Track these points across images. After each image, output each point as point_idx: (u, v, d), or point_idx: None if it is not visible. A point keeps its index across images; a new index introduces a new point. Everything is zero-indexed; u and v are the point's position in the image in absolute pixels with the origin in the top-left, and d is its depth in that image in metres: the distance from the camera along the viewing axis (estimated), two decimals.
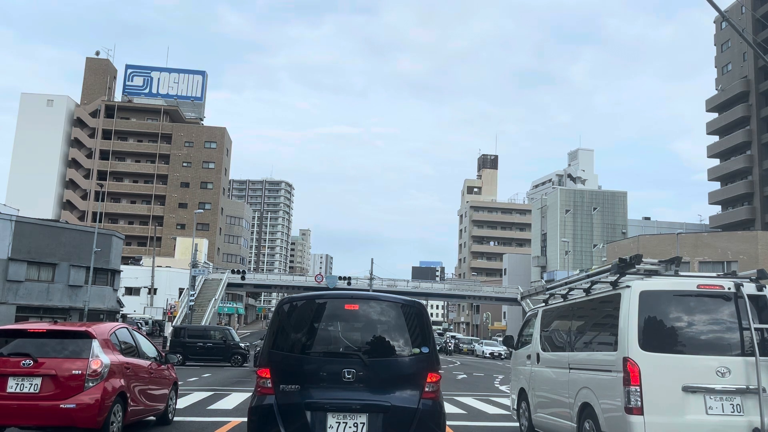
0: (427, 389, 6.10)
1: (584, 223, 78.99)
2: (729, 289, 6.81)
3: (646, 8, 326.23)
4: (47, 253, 37.95)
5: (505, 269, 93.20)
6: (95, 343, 8.13)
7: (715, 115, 74.71)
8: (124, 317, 49.57)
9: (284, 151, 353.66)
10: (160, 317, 60.43)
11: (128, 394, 8.56)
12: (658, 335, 6.64)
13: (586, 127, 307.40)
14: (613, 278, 7.37)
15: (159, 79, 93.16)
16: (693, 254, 50.41)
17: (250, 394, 8.98)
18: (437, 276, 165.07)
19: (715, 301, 6.80)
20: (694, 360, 6.53)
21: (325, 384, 5.98)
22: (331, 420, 5.88)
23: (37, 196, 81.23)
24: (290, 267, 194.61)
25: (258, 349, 25.81)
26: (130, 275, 61.09)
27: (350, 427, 5.87)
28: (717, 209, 75.05)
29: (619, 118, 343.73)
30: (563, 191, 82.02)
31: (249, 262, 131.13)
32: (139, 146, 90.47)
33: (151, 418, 10.16)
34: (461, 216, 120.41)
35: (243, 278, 66.78)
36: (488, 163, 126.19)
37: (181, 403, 12.96)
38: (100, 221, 62.22)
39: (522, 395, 9.92)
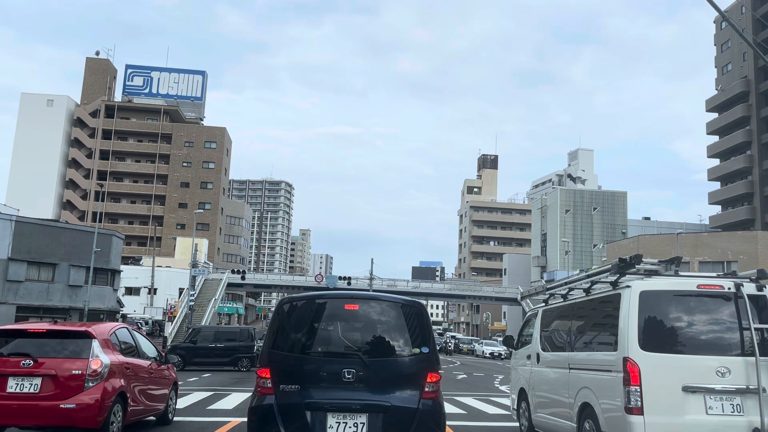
0: (427, 389, 6.10)
1: (584, 223, 78.98)
2: (729, 289, 6.81)
3: (647, 8, 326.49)
4: (47, 253, 37.94)
5: (505, 269, 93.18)
6: (95, 343, 8.13)
7: (715, 115, 74.70)
8: (124, 317, 49.56)
9: (284, 151, 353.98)
10: (160, 317, 60.43)
11: (128, 394, 8.55)
12: (658, 335, 6.64)
13: (586, 127, 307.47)
14: (613, 278, 7.37)
15: (159, 79, 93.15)
16: (693, 254, 50.39)
17: (250, 394, 8.99)
18: (437, 276, 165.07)
19: (715, 301, 6.80)
20: (694, 360, 6.53)
21: (325, 384, 5.97)
22: (331, 420, 5.88)
23: (37, 196, 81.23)
24: (290, 267, 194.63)
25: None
26: (130, 275, 61.10)
27: (350, 427, 5.86)
28: (717, 209, 75.07)
29: (619, 118, 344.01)
30: (563, 191, 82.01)
31: (249, 262, 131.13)
32: (139, 146, 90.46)
33: (151, 418, 10.16)
34: (461, 216, 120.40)
35: (243, 278, 66.77)
36: (488, 163, 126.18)
37: (181, 403, 12.96)
38: (100, 221, 62.21)
39: (522, 395, 9.92)
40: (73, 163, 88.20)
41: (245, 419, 6.96)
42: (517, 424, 10.46)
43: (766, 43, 54.19)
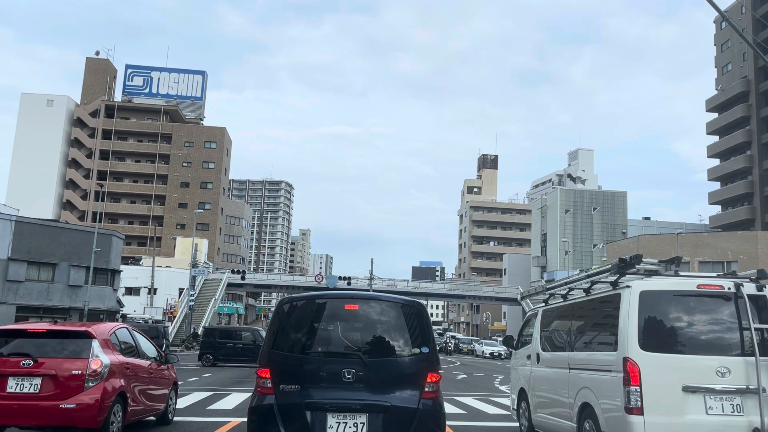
0: (427, 389, 6.10)
1: (584, 223, 78.99)
2: (729, 289, 6.81)
3: (647, 8, 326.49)
4: (47, 253, 37.94)
5: (505, 269, 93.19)
6: (95, 343, 8.14)
7: (715, 115, 74.70)
8: (124, 317, 49.53)
9: (284, 151, 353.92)
10: (160, 317, 60.38)
11: (128, 394, 8.56)
12: (658, 335, 6.64)
13: (586, 127, 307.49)
14: (613, 278, 7.37)
15: (159, 79, 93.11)
16: (693, 254, 50.40)
17: (250, 394, 8.98)
18: (437, 276, 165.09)
19: (715, 301, 6.79)
20: (694, 360, 6.53)
21: (325, 384, 5.98)
22: (331, 420, 5.88)
23: (37, 196, 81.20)
24: (290, 267, 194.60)
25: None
26: (130, 275, 61.04)
27: (350, 427, 5.87)
28: (717, 209, 75.08)
29: (619, 118, 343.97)
30: (563, 191, 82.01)
31: (249, 262, 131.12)
32: (139, 146, 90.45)
33: (151, 418, 10.16)
34: (461, 216, 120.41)
35: (243, 278, 66.80)
36: (488, 163, 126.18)
37: (181, 403, 12.96)
38: (100, 221, 62.21)
39: (522, 395, 9.92)
40: (73, 163, 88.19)
41: (245, 419, 6.95)
42: (517, 424, 10.46)
43: (766, 43, 54.18)
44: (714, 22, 76.68)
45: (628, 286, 6.92)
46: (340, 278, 66.81)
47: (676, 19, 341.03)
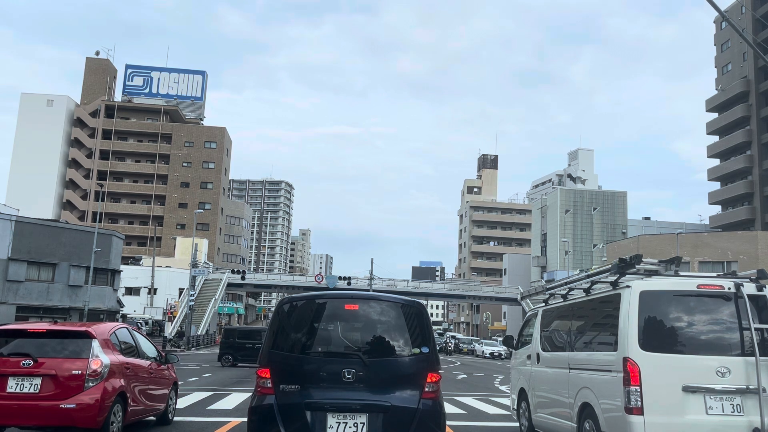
0: (427, 389, 6.10)
1: (584, 223, 78.99)
2: (729, 289, 6.81)
3: (647, 8, 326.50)
4: (47, 253, 37.94)
5: (505, 269, 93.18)
6: (95, 343, 8.14)
7: (715, 115, 74.70)
8: (124, 317, 49.55)
9: (284, 151, 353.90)
10: (160, 317, 60.41)
11: (128, 394, 8.55)
12: (658, 335, 6.64)
13: (586, 127, 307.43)
14: (613, 278, 7.37)
15: (159, 79, 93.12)
16: (693, 254, 50.40)
17: (250, 394, 8.99)
18: (437, 276, 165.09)
19: (715, 301, 6.80)
20: (694, 360, 6.53)
21: (325, 384, 5.98)
22: (331, 420, 5.88)
23: (37, 196, 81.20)
24: (290, 267, 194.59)
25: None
26: (130, 275, 61.07)
27: (350, 427, 5.87)
28: (717, 209, 75.07)
29: (619, 118, 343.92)
30: (563, 191, 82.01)
31: (249, 262, 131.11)
32: (139, 146, 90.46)
33: (151, 418, 10.16)
34: (461, 216, 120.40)
35: (243, 278, 66.80)
36: (488, 163, 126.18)
37: (181, 403, 12.95)
38: (100, 221, 62.19)
39: (522, 395, 9.92)
40: (73, 163, 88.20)
41: (245, 419, 6.96)
42: (517, 424, 10.46)
43: (766, 43, 54.19)
44: (714, 22, 76.69)
45: (628, 286, 6.92)
46: (340, 278, 66.82)
47: (676, 19, 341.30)
